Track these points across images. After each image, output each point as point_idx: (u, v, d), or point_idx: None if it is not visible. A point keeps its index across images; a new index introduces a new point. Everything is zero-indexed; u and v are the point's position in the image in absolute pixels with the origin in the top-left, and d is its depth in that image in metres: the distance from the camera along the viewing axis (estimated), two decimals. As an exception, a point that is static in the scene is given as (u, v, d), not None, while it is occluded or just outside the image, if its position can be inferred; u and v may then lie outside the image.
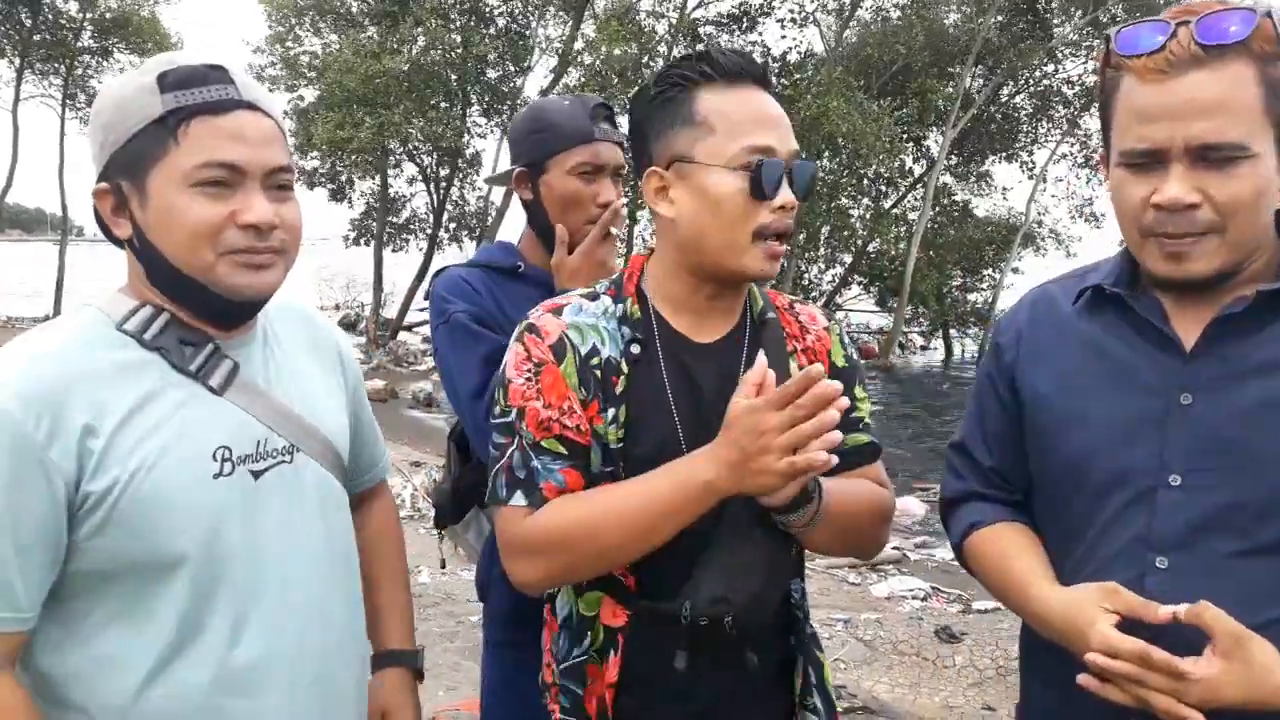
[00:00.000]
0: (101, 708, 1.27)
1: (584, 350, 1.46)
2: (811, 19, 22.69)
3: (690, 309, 1.50)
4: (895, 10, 23.22)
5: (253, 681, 1.33)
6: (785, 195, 1.41)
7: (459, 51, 20.50)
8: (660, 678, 1.44)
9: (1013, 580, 1.44)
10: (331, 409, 1.49)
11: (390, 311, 25.53)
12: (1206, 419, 1.31)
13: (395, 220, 25.50)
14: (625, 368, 1.45)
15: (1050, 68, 23.99)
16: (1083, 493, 1.40)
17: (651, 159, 1.48)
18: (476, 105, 22.89)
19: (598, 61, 19.66)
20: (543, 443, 1.43)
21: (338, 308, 29.27)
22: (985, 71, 23.73)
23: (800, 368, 1.52)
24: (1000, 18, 22.25)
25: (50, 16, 24.76)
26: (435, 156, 23.83)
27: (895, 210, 24.98)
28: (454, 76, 21.15)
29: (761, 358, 1.32)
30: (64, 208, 27.32)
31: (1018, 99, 25.36)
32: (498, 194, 23.41)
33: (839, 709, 1.59)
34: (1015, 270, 25.34)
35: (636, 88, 1.57)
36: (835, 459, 1.26)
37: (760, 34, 22.40)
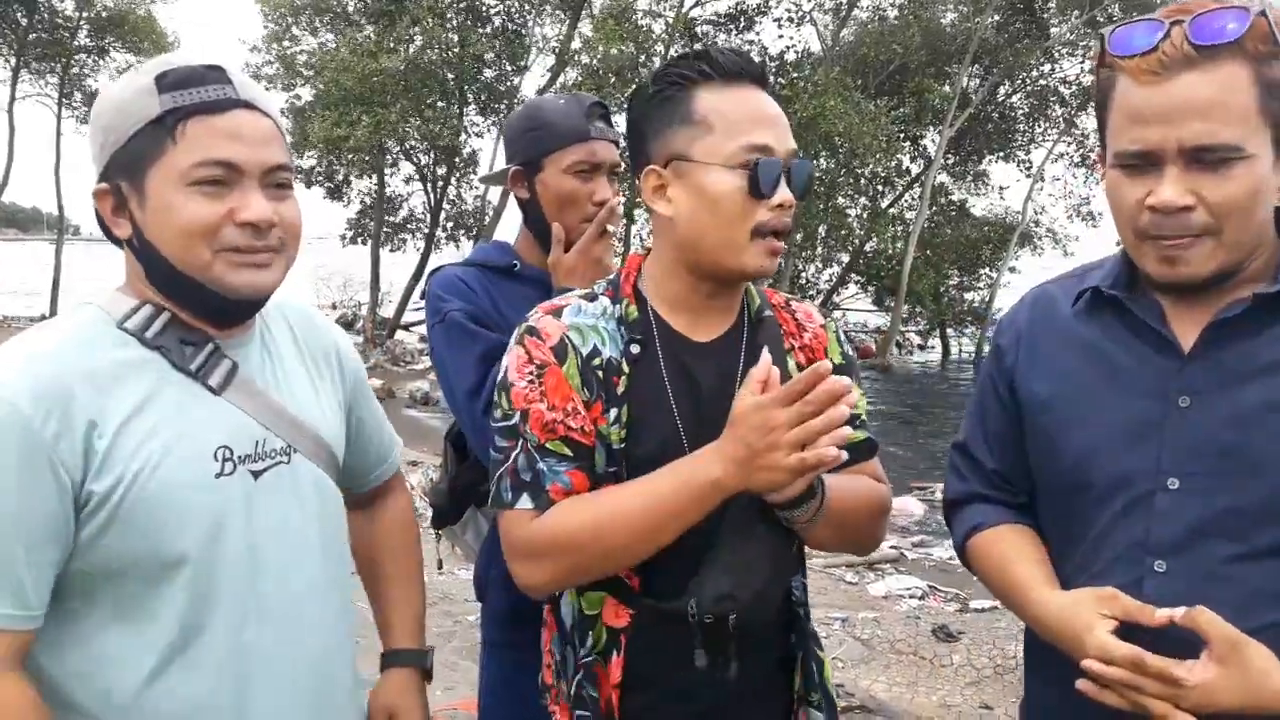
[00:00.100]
0: (102, 707, 1.27)
1: (585, 351, 1.45)
2: (808, 18, 22.69)
3: (688, 308, 1.51)
4: (892, 10, 23.25)
5: (251, 682, 1.33)
6: (783, 194, 1.42)
7: (456, 51, 20.49)
8: (663, 677, 1.44)
9: (1013, 583, 1.44)
10: (327, 410, 1.49)
11: (387, 311, 25.52)
12: (1204, 422, 1.30)
13: (392, 219, 25.49)
14: (626, 368, 1.45)
15: (1047, 67, 24.02)
16: (1082, 496, 1.40)
17: (649, 158, 1.48)
18: (473, 104, 22.87)
19: (595, 61, 19.65)
20: (548, 445, 1.42)
21: (334, 307, 29.24)
22: (982, 71, 23.74)
23: (798, 365, 1.53)
24: (997, 17, 22.26)
25: (46, 15, 24.71)
26: (432, 155, 23.82)
27: (892, 210, 24.99)
28: (451, 76, 21.14)
29: (766, 355, 1.32)
30: (60, 207, 27.29)
31: (1014, 98, 25.38)
32: (495, 193, 23.40)
33: (838, 706, 1.59)
34: (1012, 270, 25.35)
35: (634, 87, 1.57)
36: (845, 454, 1.26)
37: (757, 33, 22.39)
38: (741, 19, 22.07)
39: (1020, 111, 25.65)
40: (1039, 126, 25.54)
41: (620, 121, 1.75)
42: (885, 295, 25.74)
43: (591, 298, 1.53)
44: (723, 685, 1.44)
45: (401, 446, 1.76)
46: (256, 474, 1.34)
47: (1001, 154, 25.73)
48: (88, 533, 1.23)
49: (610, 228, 1.98)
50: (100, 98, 1.33)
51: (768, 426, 1.25)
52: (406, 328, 24.40)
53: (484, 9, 21.73)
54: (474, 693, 2.15)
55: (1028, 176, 25.35)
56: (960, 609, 6.30)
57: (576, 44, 20.98)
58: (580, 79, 19.91)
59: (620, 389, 1.44)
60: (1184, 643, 1.22)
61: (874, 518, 1.55)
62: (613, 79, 18.55)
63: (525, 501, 1.42)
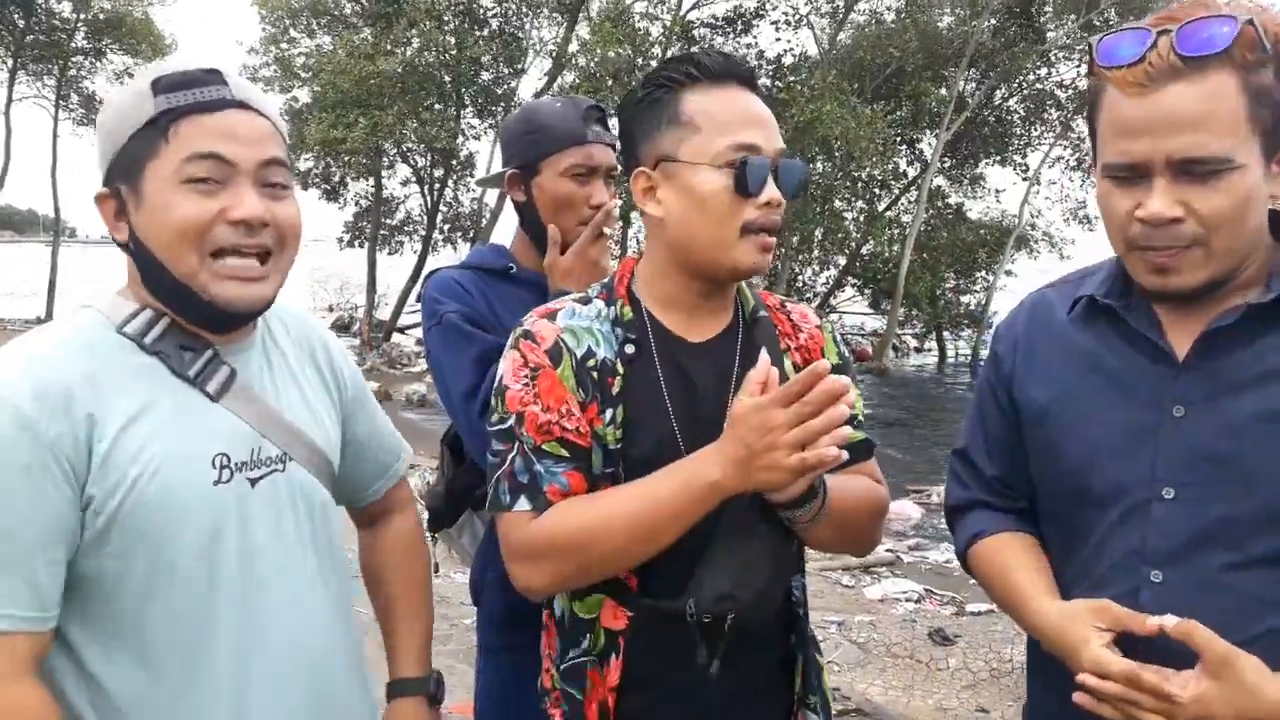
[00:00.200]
0: (100, 712, 1.27)
1: (580, 353, 1.46)
2: (805, 21, 22.73)
3: (682, 308, 1.51)
4: (889, 13, 23.27)
5: (250, 688, 1.32)
6: (771, 192, 1.42)
7: (453, 53, 20.50)
8: (662, 678, 1.44)
9: (1013, 592, 1.44)
10: (324, 418, 1.49)
11: (384, 313, 25.51)
12: (1198, 432, 1.30)
13: (389, 222, 25.51)
14: (620, 368, 1.46)
15: (1043, 71, 24.06)
16: (1080, 504, 1.40)
17: (639, 160, 1.49)
18: (470, 107, 22.88)
19: (592, 63, 19.67)
20: (544, 446, 1.43)
21: (331, 309, 29.25)
22: (979, 75, 23.78)
23: (795, 365, 1.54)
24: (993, 21, 22.29)
25: (43, 17, 24.70)
26: (429, 158, 23.83)
27: (889, 213, 25.01)
28: (448, 78, 21.15)
29: (764, 356, 1.32)
30: (56, 209, 27.26)
31: (1011, 102, 25.42)
32: (491, 196, 23.42)
33: (833, 711, 1.59)
34: (1008, 273, 25.40)
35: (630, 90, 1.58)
36: (845, 454, 1.26)
37: (755, 36, 22.44)
38: (739, 22, 22.10)
39: (1017, 115, 25.69)
40: (1035, 130, 25.58)
41: (617, 125, 1.75)
42: (882, 298, 25.76)
43: (585, 301, 1.53)
44: (722, 686, 1.44)
45: (409, 458, 1.72)
46: (253, 481, 1.34)
47: (998, 158, 25.77)
48: (89, 535, 1.23)
49: (606, 230, 1.97)
50: (104, 104, 1.34)
51: (767, 427, 1.26)
52: (403, 330, 24.39)
53: (481, 11, 21.74)
54: (470, 696, 2.15)
55: (1024, 180, 25.39)
56: (956, 612, 6.30)
57: (574, 47, 21.00)
58: (577, 82, 19.94)
59: (615, 389, 1.45)
60: (1180, 653, 1.22)
61: (873, 518, 1.56)
62: (610, 82, 18.56)
63: (523, 503, 1.42)
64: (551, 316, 1.50)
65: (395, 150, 22.92)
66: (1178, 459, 1.31)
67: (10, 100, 25.21)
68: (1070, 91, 23.88)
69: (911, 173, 25.17)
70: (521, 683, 1.75)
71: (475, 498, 2.00)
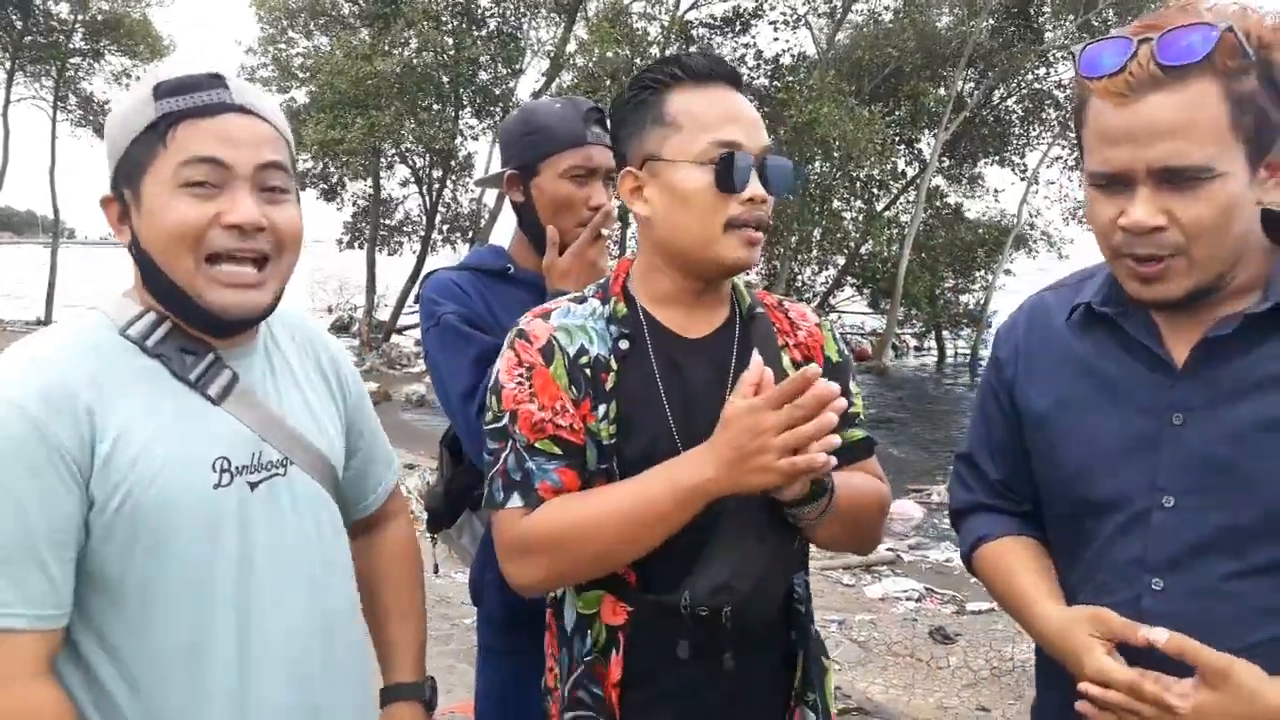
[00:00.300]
0: (91, 710, 1.27)
1: (572, 351, 1.47)
2: (803, 22, 22.74)
3: (677, 304, 1.52)
4: (887, 13, 23.27)
5: (250, 691, 1.32)
6: (755, 188, 1.43)
7: (451, 54, 20.50)
8: (662, 673, 1.44)
9: (1016, 596, 1.45)
10: (327, 424, 1.49)
11: (383, 314, 25.51)
12: (1198, 440, 1.30)
13: (388, 222, 25.51)
14: (614, 364, 1.47)
15: (1042, 71, 24.07)
16: (1082, 512, 1.40)
17: (627, 160, 1.51)
18: (468, 107, 22.88)
19: (590, 63, 19.67)
20: (537, 444, 1.44)
21: (330, 310, 29.25)
22: (977, 74, 23.79)
23: (793, 362, 1.54)
24: (992, 21, 22.31)
25: (41, 18, 24.69)
26: (428, 158, 23.83)
27: (888, 212, 25.03)
28: (446, 79, 21.15)
29: (757, 357, 1.32)
30: (55, 210, 27.22)
31: (1009, 102, 25.43)
32: (490, 196, 23.43)
33: (834, 712, 1.59)
34: (1007, 272, 25.43)
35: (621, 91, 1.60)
36: (834, 460, 1.26)
37: (753, 36, 22.46)
38: (737, 22, 22.12)
39: (1015, 115, 25.70)
40: (1034, 130, 25.60)
41: (613, 126, 1.75)
42: (881, 298, 25.78)
43: (581, 300, 1.55)
44: (722, 682, 1.44)
45: (399, 469, 1.73)
46: (253, 485, 1.34)
47: (996, 158, 25.78)
48: (93, 535, 1.23)
49: (605, 231, 1.98)
50: (111, 110, 1.35)
51: (758, 429, 1.26)
52: (401, 331, 24.40)
53: (479, 12, 21.74)
54: (471, 696, 2.15)
55: (1022, 180, 25.41)
56: (957, 611, 6.30)
57: (572, 47, 21.01)
58: (575, 82, 19.95)
59: (609, 385, 1.46)
60: (1181, 662, 1.23)
61: (878, 516, 1.57)
62: (608, 82, 18.56)
63: (515, 500, 1.43)
64: (546, 316, 1.51)
65: (394, 151, 22.92)
66: (1178, 467, 1.31)
67: (8, 101, 25.21)
68: (1068, 91, 23.88)
69: (910, 172, 25.20)
70: (521, 683, 1.75)
71: (474, 498, 1.99)
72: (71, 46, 25.22)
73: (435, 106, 21.51)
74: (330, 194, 24.26)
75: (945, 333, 27.37)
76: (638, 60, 19.55)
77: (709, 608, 1.38)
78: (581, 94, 16.70)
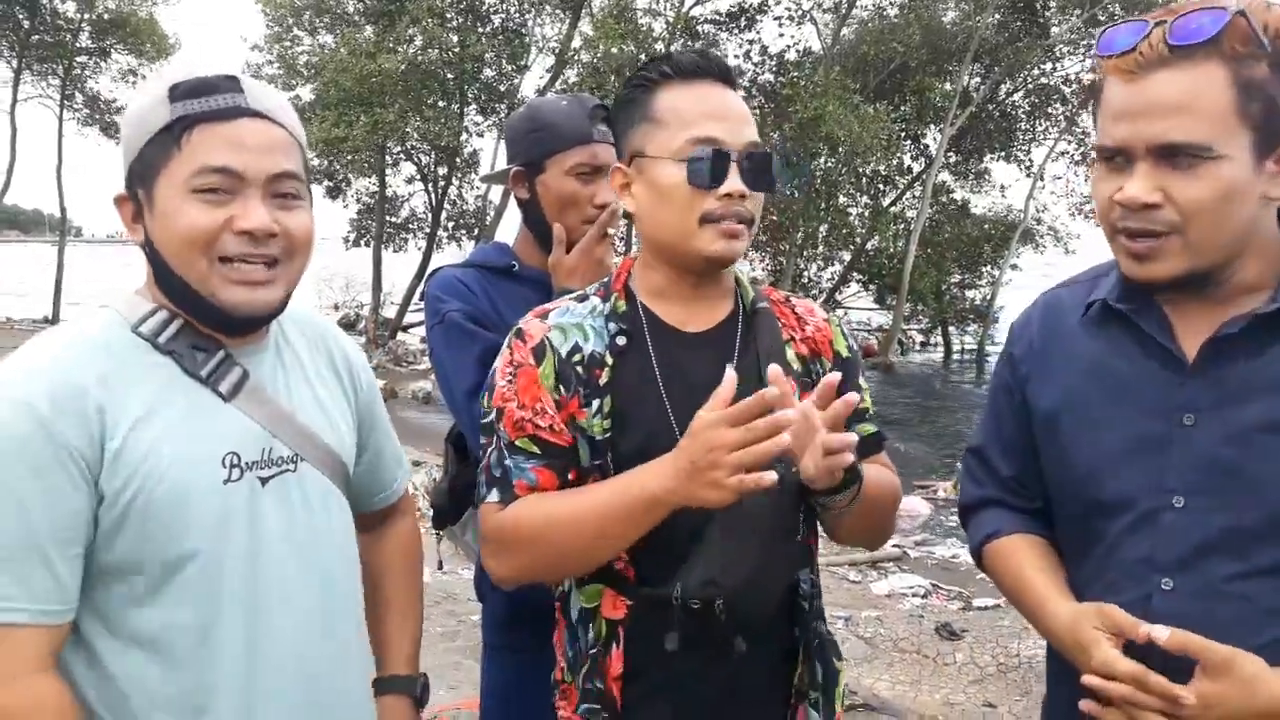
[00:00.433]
0: (100, 703, 1.28)
1: (564, 350, 1.49)
2: (808, 17, 22.68)
3: (676, 299, 1.53)
4: (892, 8, 23.21)
5: (257, 685, 1.33)
6: (732, 184, 1.44)
7: (456, 51, 20.48)
8: (660, 666, 1.44)
9: (1026, 592, 1.46)
10: (339, 421, 1.49)
11: (389, 312, 25.53)
12: (1207, 440, 1.30)
13: (394, 220, 25.51)
14: (610, 360, 1.48)
15: (1048, 66, 23.99)
16: (1092, 510, 1.41)
17: (620, 157, 1.55)
18: (474, 104, 22.87)
19: (595, 59, 19.65)
20: (517, 442, 1.47)
21: (336, 308, 29.26)
22: (983, 70, 23.71)
23: (798, 356, 1.54)
24: (997, 16, 22.23)
25: (48, 17, 24.74)
26: (433, 156, 23.83)
27: (894, 208, 24.97)
28: (451, 76, 21.14)
29: (730, 372, 1.31)
30: (62, 209, 27.30)
31: (1015, 97, 25.35)
32: (496, 193, 23.43)
33: (840, 710, 1.58)
34: (1014, 267, 25.35)
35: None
36: (775, 477, 1.26)
37: (758, 32, 22.40)
38: (742, 17, 22.07)
39: (1021, 110, 25.62)
40: (1040, 125, 25.52)
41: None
42: (887, 294, 25.73)
43: (582, 298, 1.57)
44: (719, 676, 1.44)
45: (409, 470, 1.73)
46: (263, 480, 1.35)
47: (1003, 153, 25.70)
48: (103, 530, 1.24)
49: (610, 230, 1.98)
50: (127, 108, 1.37)
51: (712, 445, 1.26)
52: (407, 329, 24.41)
53: (484, 8, 21.72)
54: (477, 692, 2.16)
55: (1028, 176, 25.34)
56: (963, 607, 6.30)
57: (577, 43, 20.99)
58: (580, 78, 19.91)
59: (603, 380, 1.47)
60: (1185, 667, 1.23)
61: (893, 509, 1.58)
62: (613, 78, 18.53)
63: (494, 495, 1.48)
64: (544, 315, 1.54)
65: (399, 148, 22.92)
66: (1187, 468, 1.31)
67: (15, 100, 25.29)
68: (1075, 86, 23.81)
69: (916, 168, 25.13)
70: (525, 681, 1.75)
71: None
72: (78, 45, 25.26)
73: (440, 103, 21.50)
74: (335, 191, 24.28)
75: (951, 328, 27.29)
76: (642, 56, 19.53)
77: (700, 601, 1.39)
78: (586, 90, 16.71)
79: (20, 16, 24.10)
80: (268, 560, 1.34)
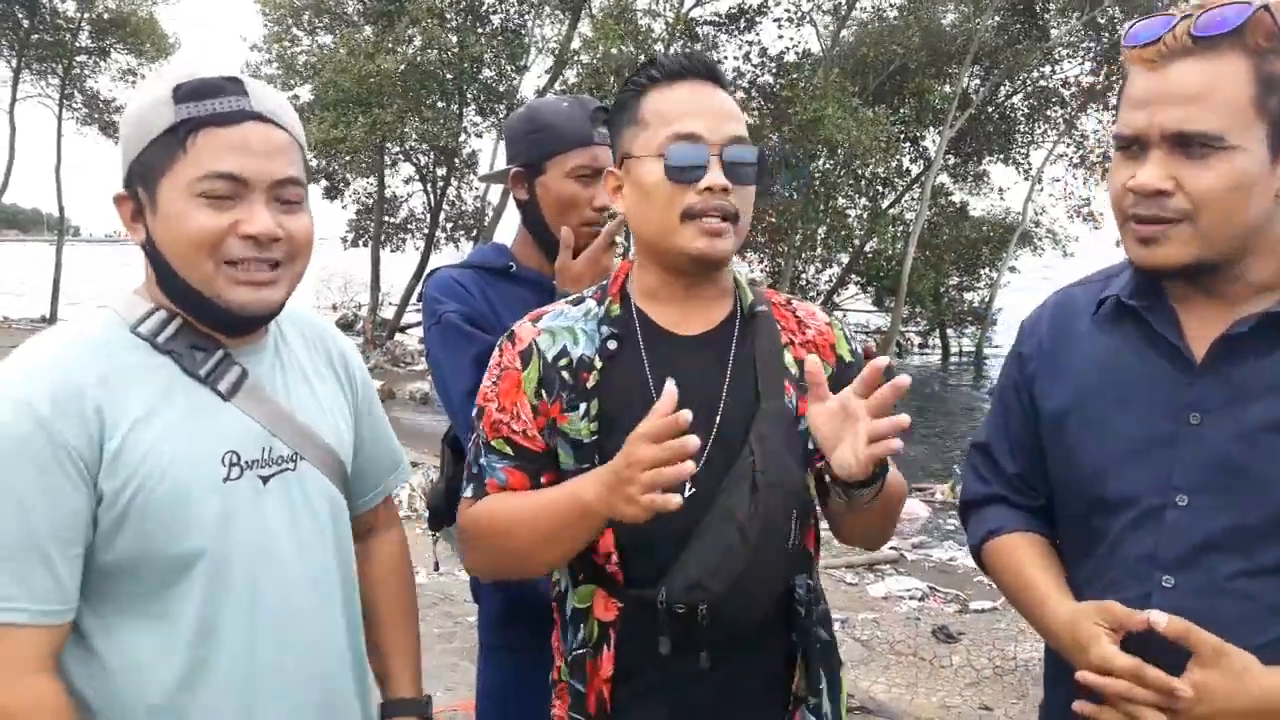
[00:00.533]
0: (102, 701, 1.28)
1: (551, 354, 1.50)
2: (808, 19, 22.68)
3: (670, 301, 1.53)
4: (892, 10, 23.21)
5: (259, 682, 1.34)
6: (712, 178, 1.44)
7: (455, 51, 20.47)
8: (651, 669, 1.44)
9: (1026, 591, 1.46)
10: (338, 420, 1.50)
11: (387, 312, 25.52)
12: (1214, 439, 1.31)
13: (392, 220, 25.50)
14: (599, 363, 1.48)
15: (1047, 69, 23.99)
16: (1094, 509, 1.41)
17: (614, 162, 1.57)
18: (473, 105, 22.86)
19: (595, 60, 19.64)
20: (493, 442, 1.52)
21: (335, 308, 29.26)
22: (982, 72, 23.71)
23: (796, 360, 1.54)
24: (997, 18, 22.24)
25: (48, 16, 24.73)
26: (432, 156, 23.82)
27: (892, 210, 24.96)
28: (450, 76, 21.13)
29: (671, 385, 1.32)
30: (61, 208, 27.29)
31: (1014, 100, 25.36)
32: (495, 194, 23.43)
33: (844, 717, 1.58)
34: (1012, 269, 25.35)
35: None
36: (679, 501, 1.26)
37: (758, 33, 22.37)
38: (742, 19, 22.06)
39: (1020, 113, 25.63)
40: (1039, 127, 25.53)
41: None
42: (885, 296, 25.73)
43: (578, 301, 1.57)
44: (713, 681, 1.44)
45: (406, 477, 1.73)
46: (264, 479, 1.36)
47: (1001, 155, 25.72)
48: (103, 529, 1.25)
49: (619, 239, 1.98)
50: (127, 106, 1.37)
51: (630, 460, 1.27)
52: (404, 329, 24.40)
53: (483, 9, 21.71)
54: (473, 694, 2.15)
55: (1026, 179, 25.35)
56: (960, 610, 6.30)
57: (576, 44, 20.98)
58: (580, 79, 19.91)
59: (590, 384, 1.47)
60: (1179, 665, 1.23)
61: (898, 506, 1.58)
62: (612, 79, 18.52)
63: (469, 491, 1.53)
64: (537, 319, 1.55)
65: (398, 149, 22.91)
66: (1193, 466, 1.32)
67: (14, 99, 25.27)
68: (1074, 89, 23.83)
69: (915, 170, 25.13)
70: (521, 681, 1.75)
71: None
72: (78, 45, 25.26)
73: (439, 104, 21.49)
74: (333, 191, 24.27)
75: (950, 331, 27.31)
76: (642, 57, 19.52)
77: (685, 605, 1.38)
78: (586, 91, 16.69)
79: (20, 15, 24.09)
80: (270, 558, 1.35)
